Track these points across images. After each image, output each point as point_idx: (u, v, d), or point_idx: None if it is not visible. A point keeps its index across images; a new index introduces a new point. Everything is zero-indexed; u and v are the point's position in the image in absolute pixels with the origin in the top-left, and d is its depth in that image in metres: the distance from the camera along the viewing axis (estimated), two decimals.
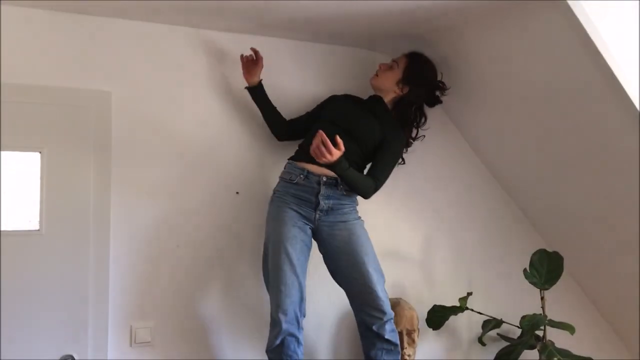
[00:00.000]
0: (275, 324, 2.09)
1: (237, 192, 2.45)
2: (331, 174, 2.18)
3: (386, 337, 2.18)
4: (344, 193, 2.26)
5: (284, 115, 2.44)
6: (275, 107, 2.42)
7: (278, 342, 2.08)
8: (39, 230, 2.12)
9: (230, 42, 2.46)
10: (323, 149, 2.01)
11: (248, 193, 2.47)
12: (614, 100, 2.06)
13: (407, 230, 2.73)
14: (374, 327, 2.18)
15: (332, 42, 2.66)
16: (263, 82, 2.38)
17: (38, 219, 2.13)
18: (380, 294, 2.18)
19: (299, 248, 2.16)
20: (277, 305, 2.10)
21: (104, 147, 2.22)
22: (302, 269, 2.15)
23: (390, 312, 2.20)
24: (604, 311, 3.15)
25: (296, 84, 2.59)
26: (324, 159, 2.04)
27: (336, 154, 2.04)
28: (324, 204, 2.22)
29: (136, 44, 2.31)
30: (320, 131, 2.03)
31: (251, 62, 2.34)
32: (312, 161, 2.14)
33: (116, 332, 2.24)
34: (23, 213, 2.13)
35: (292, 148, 2.42)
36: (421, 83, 2.41)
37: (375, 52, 2.74)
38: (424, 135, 2.52)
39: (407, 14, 2.20)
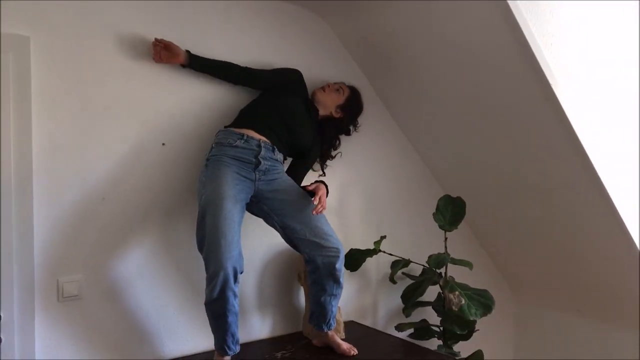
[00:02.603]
0: (213, 276, 2.09)
1: (164, 144, 2.42)
2: (271, 137, 2.36)
3: (340, 280, 2.37)
4: (277, 158, 2.40)
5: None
6: (221, 63, 2.46)
7: (216, 294, 2.09)
8: None
9: None
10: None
11: (175, 144, 2.45)
12: (519, 59, 2.28)
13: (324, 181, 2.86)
14: (337, 266, 2.32)
15: None
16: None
17: None
18: (331, 231, 2.37)
19: (239, 207, 2.21)
20: (216, 258, 2.09)
21: (24, 96, 2.08)
22: (239, 227, 2.19)
23: (342, 247, 2.37)
24: (490, 251, 3.55)
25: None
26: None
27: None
28: (264, 164, 2.31)
29: None
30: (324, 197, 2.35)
31: (164, 50, 2.32)
32: (250, 127, 2.32)
33: (42, 288, 2.17)
34: None
35: (217, 100, 2.50)
36: (351, 115, 2.73)
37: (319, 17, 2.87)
38: (341, 153, 2.83)
39: None
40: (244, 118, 2.40)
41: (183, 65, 2.37)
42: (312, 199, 2.35)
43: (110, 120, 2.30)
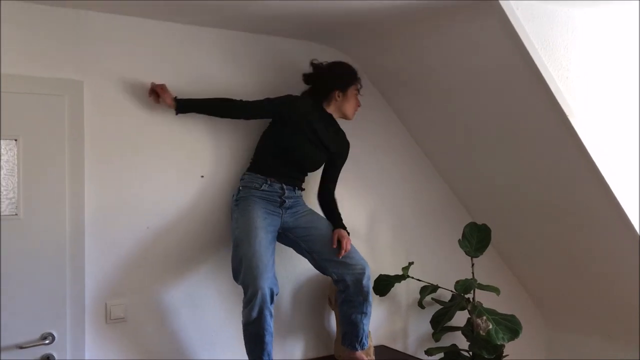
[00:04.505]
0: (252, 297, 2.25)
1: (202, 176, 2.61)
2: (290, 184, 2.55)
3: (369, 297, 2.52)
4: (299, 195, 2.60)
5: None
6: (214, 101, 2.52)
7: (255, 314, 2.24)
8: (16, 215, 2.20)
9: (199, 35, 2.62)
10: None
11: (212, 176, 2.64)
12: (536, 92, 2.39)
13: (354, 209, 3.00)
14: (364, 282, 2.49)
15: (276, 34, 2.83)
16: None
17: (16, 204, 2.20)
18: (354, 251, 2.55)
19: (271, 237, 2.42)
20: (254, 280, 2.25)
21: (78, 135, 2.31)
22: (273, 254, 2.38)
23: (367, 265, 2.53)
24: (519, 276, 3.59)
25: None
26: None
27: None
28: (288, 202, 2.52)
29: (107, 35, 2.40)
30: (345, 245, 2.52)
31: (158, 93, 2.42)
32: (270, 175, 2.50)
33: (92, 310, 2.36)
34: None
35: (249, 137, 2.67)
36: (331, 76, 2.65)
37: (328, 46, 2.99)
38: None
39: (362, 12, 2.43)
40: (262, 165, 2.54)
41: (176, 112, 2.46)
42: (339, 247, 2.51)
43: (156, 156, 2.51)
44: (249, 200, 2.45)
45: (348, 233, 2.59)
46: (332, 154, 2.68)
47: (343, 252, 2.48)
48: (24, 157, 2.21)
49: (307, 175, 2.68)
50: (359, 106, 2.69)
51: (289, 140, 2.53)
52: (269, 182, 2.49)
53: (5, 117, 2.17)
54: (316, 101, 2.63)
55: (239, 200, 2.48)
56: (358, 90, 2.66)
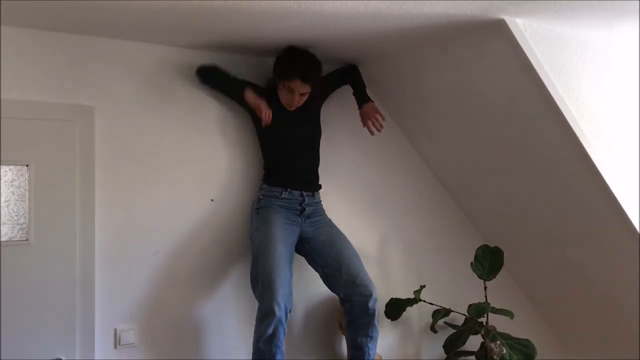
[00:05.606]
0: (268, 313, 2.23)
1: (212, 200, 2.62)
2: (308, 189, 2.56)
3: (374, 321, 2.48)
4: (317, 201, 2.60)
5: None
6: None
7: (271, 331, 2.23)
8: (27, 240, 2.21)
9: (212, 59, 2.62)
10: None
11: (222, 200, 2.64)
12: (546, 115, 2.38)
13: (365, 232, 2.98)
14: (369, 304, 2.45)
15: None
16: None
17: (26, 229, 2.22)
18: (364, 273, 2.52)
19: (289, 249, 2.42)
20: (270, 295, 2.25)
21: (88, 160, 2.33)
22: (290, 267, 2.38)
23: (374, 288, 2.49)
24: (533, 299, 3.54)
25: None
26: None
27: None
28: (308, 210, 2.53)
29: (118, 61, 2.43)
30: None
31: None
32: (287, 184, 2.52)
33: (102, 335, 2.36)
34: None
35: (259, 162, 2.68)
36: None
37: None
38: None
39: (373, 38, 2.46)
40: (276, 176, 2.57)
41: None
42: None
43: (166, 181, 2.53)
44: (270, 210, 2.48)
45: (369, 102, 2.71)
46: (315, 90, 2.56)
47: (372, 129, 2.66)
48: (35, 183, 2.23)
49: (318, 161, 2.65)
50: (292, 103, 2.50)
51: (281, 135, 2.55)
52: (288, 190, 2.52)
53: (17, 142, 2.20)
54: (274, 93, 2.55)
55: (260, 209, 2.51)
56: (290, 89, 2.47)
